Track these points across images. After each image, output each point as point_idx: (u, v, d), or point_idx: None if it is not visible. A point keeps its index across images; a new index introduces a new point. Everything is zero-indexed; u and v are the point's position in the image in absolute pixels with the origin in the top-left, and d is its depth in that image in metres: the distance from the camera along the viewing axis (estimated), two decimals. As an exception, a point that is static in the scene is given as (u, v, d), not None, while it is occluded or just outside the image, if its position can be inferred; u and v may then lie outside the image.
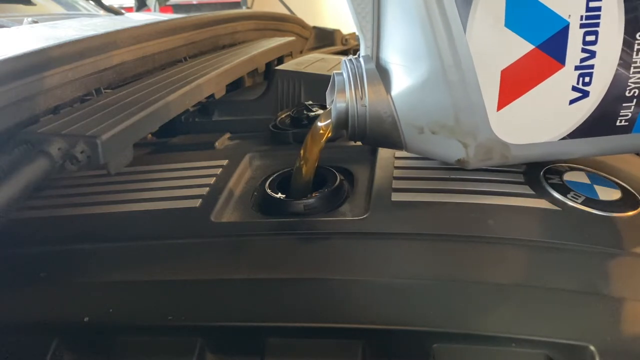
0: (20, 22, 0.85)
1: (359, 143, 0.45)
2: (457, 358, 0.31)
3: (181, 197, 0.48)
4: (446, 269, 0.36)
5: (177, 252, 0.41)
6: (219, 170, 0.52)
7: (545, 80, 0.37)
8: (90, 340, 0.35)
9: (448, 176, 0.46)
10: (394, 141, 0.43)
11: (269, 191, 0.46)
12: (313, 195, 0.45)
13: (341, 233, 0.41)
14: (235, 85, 0.83)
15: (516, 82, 0.37)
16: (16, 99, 0.42)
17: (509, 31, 0.36)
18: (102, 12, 1.30)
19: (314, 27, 1.37)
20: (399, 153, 0.52)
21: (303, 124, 0.61)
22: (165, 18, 0.79)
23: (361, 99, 0.41)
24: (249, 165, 0.56)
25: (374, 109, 0.41)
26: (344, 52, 1.34)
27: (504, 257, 0.37)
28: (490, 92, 0.37)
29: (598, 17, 0.35)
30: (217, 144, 0.61)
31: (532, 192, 0.43)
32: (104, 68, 0.55)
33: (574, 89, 0.37)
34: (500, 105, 0.38)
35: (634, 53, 0.36)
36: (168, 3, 2.25)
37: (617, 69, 0.37)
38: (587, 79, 0.37)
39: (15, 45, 0.50)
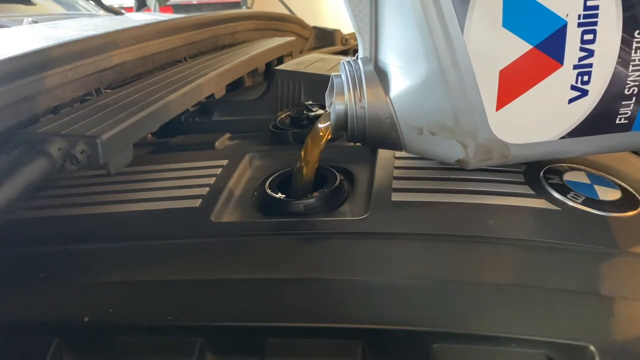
0: (20, 22, 0.85)
1: (359, 144, 0.45)
2: (457, 358, 0.31)
3: (181, 197, 0.48)
4: (446, 269, 0.36)
5: (177, 252, 0.41)
6: (219, 170, 0.52)
7: (544, 80, 0.37)
8: (90, 340, 0.35)
9: (448, 176, 0.46)
10: (394, 142, 0.43)
11: (269, 191, 0.46)
12: (313, 195, 0.45)
13: (341, 233, 0.41)
14: (235, 85, 0.83)
15: (515, 82, 0.37)
16: (16, 99, 0.42)
17: (507, 31, 0.36)
18: (102, 12, 1.30)
19: (314, 27, 1.37)
20: (399, 153, 0.52)
21: (303, 124, 0.61)
22: (165, 18, 0.79)
23: (360, 100, 0.41)
24: (249, 165, 0.56)
25: (373, 111, 0.41)
26: (344, 52, 1.34)
27: (504, 257, 0.37)
28: (488, 92, 0.37)
29: (596, 15, 0.35)
30: (217, 144, 0.61)
31: (532, 192, 0.43)
32: (104, 68, 0.55)
33: (573, 88, 0.37)
34: (499, 106, 0.38)
35: (633, 51, 0.36)
36: (168, 3, 2.25)
37: (615, 68, 0.36)
38: (585, 78, 0.37)
39: (15, 45, 0.50)
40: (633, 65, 0.36)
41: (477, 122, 0.39)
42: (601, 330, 0.31)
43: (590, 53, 0.36)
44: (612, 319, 0.32)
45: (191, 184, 0.50)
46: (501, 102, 0.38)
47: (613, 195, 0.43)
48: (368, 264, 0.37)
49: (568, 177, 0.45)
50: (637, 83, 0.37)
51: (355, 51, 0.46)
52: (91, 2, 1.33)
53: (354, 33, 0.45)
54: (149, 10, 1.49)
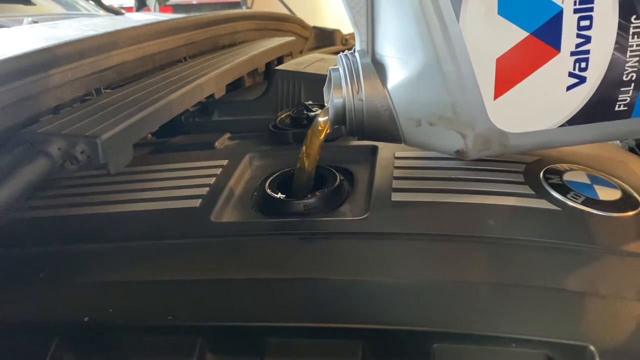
0: (20, 22, 0.85)
1: (359, 142, 0.45)
2: (457, 358, 0.31)
3: (181, 197, 0.48)
4: (446, 269, 0.36)
5: (177, 252, 0.41)
6: (219, 170, 0.52)
7: (541, 67, 0.37)
8: (90, 340, 0.35)
9: (448, 176, 0.46)
10: (392, 135, 0.43)
11: (269, 191, 0.46)
12: (313, 195, 0.45)
13: (341, 233, 0.41)
14: (235, 85, 0.83)
15: (512, 70, 0.37)
16: (16, 99, 0.42)
17: (503, 19, 0.35)
18: (102, 12, 1.30)
19: (314, 27, 1.37)
20: (399, 153, 0.52)
21: (303, 124, 0.61)
22: (165, 18, 0.79)
23: (358, 93, 0.41)
24: (249, 165, 0.56)
25: (371, 103, 0.41)
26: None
27: (504, 257, 0.37)
28: (486, 81, 0.37)
29: (592, 1, 0.35)
30: (217, 144, 0.61)
31: (532, 192, 0.43)
32: (104, 68, 0.55)
33: (571, 75, 0.37)
34: (497, 94, 0.38)
35: (630, 37, 0.36)
36: (168, 3, 2.25)
37: (613, 54, 0.36)
38: (583, 65, 0.37)
39: (15, 45, 0.50)
40: (631, 51, 0.36)
41: (475, 111, 0.38)
42: (601, 330, 0.31)
43: (587, 39, 0.36)
44: (612, 319, 0.32)
45: (191, 184, 0.50)
46: (499, 91, 0.38)
47: (613, 195, 0.43)
48: (368, 264, 0.37)
49: (568, 177, 0.45)
50: (635, 69, 0.37)
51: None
52: (91, 2, 1.33)
53: (353, 33, 0.45)
54: (149, 10, 1.49)
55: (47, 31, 0.65)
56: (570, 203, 0.41)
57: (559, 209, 0.41)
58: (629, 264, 0.36)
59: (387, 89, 0.41)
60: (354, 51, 0.44)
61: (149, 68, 0.67)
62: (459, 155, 0.41)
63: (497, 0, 0.35)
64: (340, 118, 0.43)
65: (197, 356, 0.33)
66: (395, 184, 0.46)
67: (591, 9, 0.35)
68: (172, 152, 0.61)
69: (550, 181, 0.44)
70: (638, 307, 0.33)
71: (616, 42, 0.36)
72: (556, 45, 0.36)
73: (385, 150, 0.53)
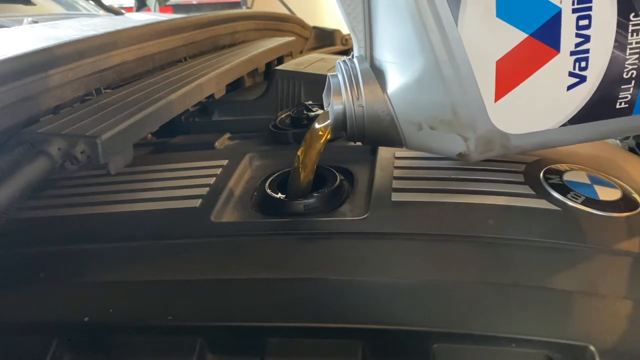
0: (20, 22, 0.85)
1: (359, 143, 0.45)
2: (457, 358, 0.31)
3: (181, 197, 0.48)
4: (446, 269, 0.36)
5: (177, 252, 0.41)
6: (219, 170, 0.52)
7: (541, 68, 0.37)
8: (90, 340, 0.35)
9: (448, 176, 0.46)
10: (394, 139, 0.43)
11: (269, 191, 0.46)
12: (313, 195, 0.45)
13: (341, 233, 0.41)
14: (235, 85, 0.83)
15: (512, 72, 0.37)
16: (16, 99, 0.42)
17: (501, 21, 0.36)
18: (102, 12, 1.30)
19: (314, 27, 1.37)
20: (399, 153, 0.52)
21: (303, 124, 0.61)
22: (165, 18, 0.79)
23: (358, 99, 0.41)
24: (249, 165, 0.56)
25: (371, 109, 0.41)
26: (344, 52, 1.34)
27: (504, 257, 0.37)
28: (486, 83, 0.37)
29: (590, 0, 0.35)
30: (217, 144, 0.61)
31: (532, 192, 0.43)
32: (104, 68, 0.55)
33: (571, 74, 0.37)
34: (498, 96, 0.38)
35: (629, 34, 0.36)
36: (168, 3, 2.25)
37: (613, 52, 0.36)
38: (583, 64, 0.37)
39: (15, 45, 0.50)
40: (630, 49, 0.36)
41: (476, 114, 0.38)
42: (601, 330, 0.31)
43: (587, 39, 0.36)
44: (612, 319, 0.32)
45: (191, 184, 0.50)
46: (499, 93, 0.38)
47: (613, 195, 0.43)
48: (368, 264, 0.37)
49: (568, 177, 0.45)
50: (636, 66, 0.37)
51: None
52: (91, 2, 1.33)
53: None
54: (149, 10, 1.49)
55: (47, 31, 0.65)
56: (570, 203, 0.41)
57: (559, 209, 0.41)
58: (629, 264, 0.36)
59: (387, 94, 0.41)
60: (353, 57, 0.44)
61: (149, 68, 0.67)
62: (461, 158, 0.41)
63: (496, 2, 0.35)
64: (340, 124, 0.43)
65: (197, 356, 0.33)
66: (395, 184, 0.46)
67: (590, 9, 0.35)
68: (172, 152, 0.61)
69: (550, 181, 0.44)
70: (638, 307, 0.33)
71: (615, 41, 0.36)
72: (555, 45, 0.36)
73: (385, 150, 0.52)
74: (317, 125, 0.45)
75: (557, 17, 0.35)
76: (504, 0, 0.35)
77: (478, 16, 0.35)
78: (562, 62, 0.37)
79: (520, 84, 0.37)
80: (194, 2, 3.83)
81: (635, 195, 0.43)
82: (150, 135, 0.70)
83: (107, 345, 0.34)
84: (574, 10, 0.35)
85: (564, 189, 0.43)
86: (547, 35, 0.36)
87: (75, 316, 0.35)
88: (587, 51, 0.36)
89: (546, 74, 0.37)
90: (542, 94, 0.38)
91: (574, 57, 0.36)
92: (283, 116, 0.65)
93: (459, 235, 0.39)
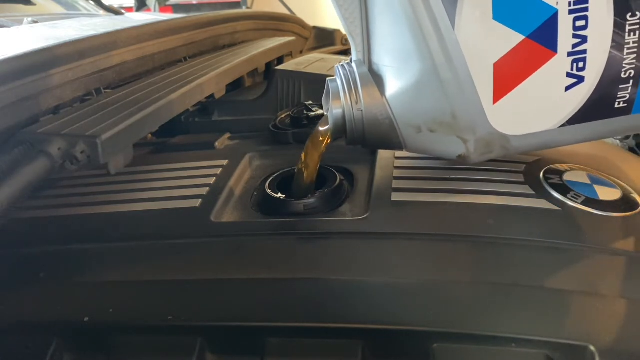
0: (20, 22, 0.85)
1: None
2: (457, 358, 0.31)
3: (181, 197, 0.48)
4: (446, 269, 0.36)
5: (177, 252, 0.41)
6: (219, 170, 0.52)
7: (539, 69, 0.37)
8: (90, 340, 0.35)
9: (448, 176, 0.46)
10: (393, 142, 0.43)
11: (269, 191, 0.46)
12: (313, 195, 0.45)
13: (341, 233, 0.41)
14: (235, 85, 0.83)
15: (510, 74, 0.37)
16: (16, 99, 0.42)
17: (498, 24, 0.36)
18: (102, 12, 1.30)
19: (314, 27, 1.37)
20: (399, 153, 0.52)
21: (303, 124, 0.61)
22: (165, 18, 0.79)
23: (357, 103, 0.41)
24: (249, 165, 0.56)
25: (370, 112, 0.41)
26: (344, 52, 1.34)
27: (504, 257, 0.37)
28: (484, 86, 0.37)
29: (586, 1, 0.35)
30: (217, 144, 0.61)
31: (532, 192, 0.43)
32: (104, 68, 0.55)
33: (569, 75, 0.37)
34: (496, 98, 0.38)
35: (626, 34, 0.36)
36: (168, 3, 2.25)
37: (610, 52, 0.36)
38: (581, 65, 0.37)
39: (15, 45, 0.50)
40: (628, 49, 0.36)
41: (475, 116, 0.39)
42: (601, 330, 0.31)
43: (584, 39, 0.36)
44: (612, 319, 0.32)
45: (191, 184, 0.50)
46: (498, 95, 0.38)
47: (613, 195, 0.43)
48: (368, 264, 0.37)
49: (568, 177, 0.45)
50: (633, 65, 0.37)
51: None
52: (91, 2, 1.33)
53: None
54: (149, 10, 1.49)
55: (47, 31, 0.65)
56: (570, 203, 0.41)
57: (559, 209, 0.41)
58: (629, 264, 0.36)
59: (385, 97, 0.41)
60: (351, 61, 0.44)
61: (149, 68, 0.67)
62: (461, 160, 0.41)
63: (492, 5, 0.35)
64: (340, 128, 0.43)
65: (197, 356, 0.33)
66: (395, 184, 0.46)
67: (586, 9, 0.35)
68: (172, 152, 0.61)
69: (550, 181, 0.44)
70: (638, 307, 0.33)
71: (613, 41, 0.36)
72: (553, 46, 0.36)
73: (386, 150, 0.52)
74: (317, 130, 0.45)
75: (553, 18, 0.35)
76: (501, 3, 0.35)
77: (475, 19, 0.35)
78: (559, 63, 0.37)
79: (519, 86, 0.37)
80: (194, 2, 3.83)
81: (635, 195, 0.43)
82: (150, 135, 0.70)
83: (107, 345, 0.34)
84: (571, 12, 0.35)
85: (564, 189, 0.43)
86: (544, 36, 0.36)
87: (75, 316, 0.35)
88: (584, 52, 0.36)
89: (544, 75, 0.37)
90: (541, 95, 0.38)
91: (572, 57, 0.36)
92: (283, 116, 0.65)
93: (459, 235, 0.39)
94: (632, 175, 0.48)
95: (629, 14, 0.35)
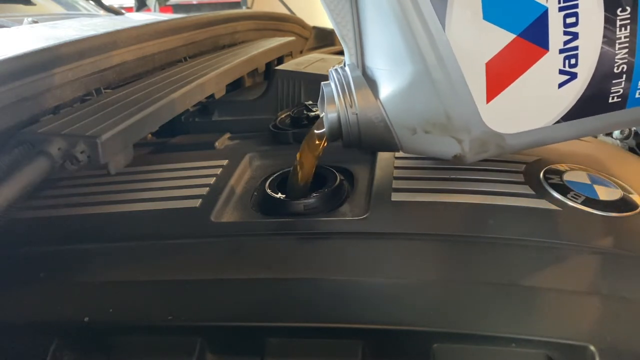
0: (20, 22, 0.85)
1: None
2: (457, 358, 0.31)
3: (181, 197, 0.48)
4: (446, 269, 0.36)
5: (177, 252, 0.41)
6: (219, 170, 0.52)
7: (531, 68, 0.37)
8: (90, 340, 0.35)
9: (448, 176, 0.46)
10: (389, 144, 0.43)
11: (269, 191, 0.46)
12: (313, 195, 0.45)
13: (341, 233, 0.41)
14: (235, 85, 0.83)
15: (502, 73, 0.37)
16: (16, 99, 0.42)
17: (489, 23, 0.36)
18: (102, 12, 1.30)
19: (314, 27, 1.37)
20: (398, 153, 0.52)
21: (303, 124, 0.61)
22: (165, 18, 0.79)
23: (351, 107, 0.42)
24: (249, 165, 0.56)
25: (365, 116, 0.42)
26: (344, 52, 1.34)
27: (504, 257, 0.37)
28: (477, 85, 0.37)
29: None
30: (217, 144, 0.61)
31: (532, 192, 0.43)
32: (104, 68, 0.55)
33: (561, 72, 0.37)
34: (490, 98, 0.38)
35: (617, 29, 0.36)
36: (168, 3, 2.26)
37: (602, 47, 0.36)
38: (573, 61, 0.37)
39: (15, 45, 0.50)
40: (619, 44, 0.36)
41: (469, 116, 0.39)
42: (601, 330, 0.31)
43: (575, 36, 0.36)
44: (612, 319, 0.32)
45: (191, 184, 0.50)
46: (491, 94, 0.38)
47: (613, 195, 0.43)
48: (368, 264, 0.37)
49: (568, 177, 0.45)
50: (626, 60, 0.37)
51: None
52: (91, 2, 1.33)
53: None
54: (149, 10, 1.49)
55: (47, 31, 0.65)
56: (570, 203, 0.41)
57: (559, 209, 0.41)
58: (629, 264, 0.36)
59: (379, 100, 0.41)
60: (344, 65, 0.44)
61: (149, 68, 0.67)
62: (457, 159, 0.41)
63: (482, 5, 0.35)
64: (335, 131, 0.43)
65: (197, 356, 0.33)
66: (395, 184, 0.46)
67: (576, 6, 0.35)
68: (172, 152, 0.61)
69: (550, 181, 0.44)
70: (638, 307, 0.33)
71: (604, 36, 0.36)
72: (544, 44, 0.36)
73: (385, 150, 0.53)
74: (313, 133, 0.46)
75: (544, 16, 0.35)
76: (491, 3, 0.35)
77: (465, 20, 0.35)
78: (551, 61, 0.37)
79: (511, 85, 0.37)
80: (194, 2, 3.83)
81: (635, 195, 0.43)
82: (150, 135, 0.70)
83: (107, 345, 0.34)
84: (561, 9, 0.35)
85: (564, 189, 0.43)
86: (535, 34, 0.36)
87: (75, 316, 0.35)
88: (576, 48, 0.36)
89: (536, 73, 0.37)
90: (534, 93, 0.38)
91: (563, 54, 0.36)
92: (283, 116, 0.65)
93: (459, 235, 0.39)
94: (632, 175, 0.48)
95: (619, 9, 0.35)
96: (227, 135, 0.65)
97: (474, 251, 0.38)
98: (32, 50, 0.46)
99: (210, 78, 0.63)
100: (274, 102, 0.74)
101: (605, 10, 0.35)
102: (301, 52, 1.24)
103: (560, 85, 0.37)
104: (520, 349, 0.31)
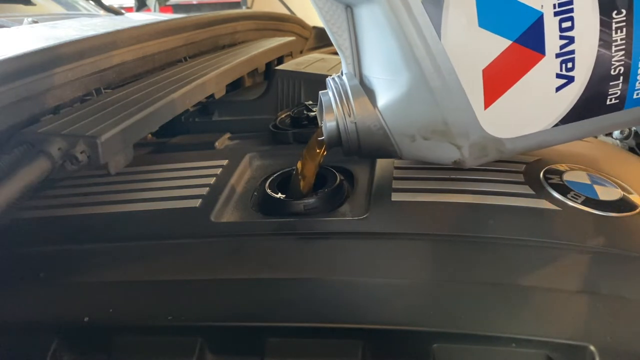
0: (20, 22, 0.85)
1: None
2: (457, 358, 0.31)
3: (181, 197, 0.48)
4: (446, 269, 0.36)
5: (177, 252, 0.41)
6: (219, 170, 0.52)
7: (528, 73, 0.37)
8: (90, 340, 0.35)
9: (448, 176, 0.46)
10: (389, 151, 0.43)
11: (269, 191, 0.46)
12: (313, 195, 0.45)
13: (341, 233, 0.41)
14: (235, 85, 0.83)
15: (499, 79, 0.37)
16: (16, 99, 0.42)
17: (484, 30, 0.36)
18: (102, 12, 1.30)
19: (314, 27, 1.37)
20: (399, 153, 0.52)
21: (303, 124, 0.61)
22: (165, 18, 0.79)
23: (349, 115, 0.42)
24: (249, 165, 0.56)
25: (364, 124, 0.42)
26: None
27: (504, 257, 0.37)
28: (475, 92, 0.37)
29: (571, 2, 0.35)
30: (217, 144, 0.61)
31: (532, 192, 0.43)
32: (104, 68, 0.55)
33: (559, 76, 0.37)
34: (487, 104, 0.38)
35: (613, 32, 0.36)
36: (168, 3, 2.26)
37: (598, 50, 0.36)
38: (569, 65, 0.37)
39: (15, 45, 0.50)
40: (616, 46, 0.36)
41: (467, 122, 0.39)
42: (601, 330, 0.31)
43: (571, 40, 0.36)
44: (612, 319, 0.32)
45: (191, 184, 0.50)
46: (488, 100, 0.38)
47: (613, 195, 0.43)
48: (368, 264, 0.37)
49: (568, 177, 0.45)
50: (622, 62, 0.37)
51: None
52: (91, 2, 1.33)
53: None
54: (149, 10, 1.49)
55: (47, 31, 0.65)
56: (570, 203, 0.41)
57: (559, 209, 0.41)
58: (629, 264, 0.36)
59: (377, 109, 0.41)
60: (342, 74, 0.45)
61: (149, 68, 0.67)
62: (457, 165, 0.42)
63: (477, 12, 0.35)
64: (335, 140, 0.44)
65: (197, 356, 0.33)
66: (395, 184, 0.46)
67: (571, 10, 0.35)
68: (172, 152, 0.61)
69: (550, 181, 0.44)
70: (638, 307, 0.33)
71: (600, 39, 0.36)
72: (540, 49, 0.36)
73: (385, 150, 0.52)
74: (313, 143, 0.46)
75: (539, 21, 0.35)
76: (486, 10, 0.35)
77: (460, 27, 0.36)
78: (548, 65, 0.37)
79: (509, 90, 0.38)
80: (194, 2, 3.83)
81: (635, 195, 0.43)
82: (150, 135, 0.70)
83: (107, 345, 0.34)
84: (556, 14, 0.35)
85: (564, 189, 0.43)
86: (531, 40, 0.36)
87: (75, 316, 0.35)
88: (572, 52, 0.36)
89: (533, 77, 0.37)
90: (532, 98, 0.38)
91: (560, 59, 0.37)
92: (283, 116, 0.65)
93: (459, 235, 0.39)
94: (632, 175, 0.48)
95: (615, 12, 0.35)
96: (227, 135, 0.65)
97: (473, 251, 0.38)
98: (32, 50, 0.46)
99: (210, 78, 0.63)
100: (274, 102, 0.74)
101: (601, 13, 0.35)
102: (301, 52, 1.24)
103: (558, 89, 0.38)
104: (520, 349, 0.31)
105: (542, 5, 0.35)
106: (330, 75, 0.46)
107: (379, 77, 0.41)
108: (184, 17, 0.79)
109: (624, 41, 0.36)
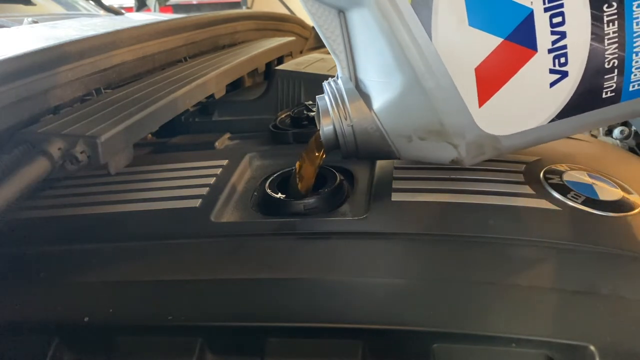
0: (20, 22, 0.85)
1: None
2: (457, 358, 0.31)
3: (181, 197, 0.48)
4: (446, 269, 0.36)
5: (177, 252, 0.41)
6: (219, 170, 0.52)
7: (521, 69, 0.37)
8: (90, 340, 0.35)
9: (448, 176, 0.46)
10: (387, 153, 0.43)
11: (269, 191, 0.46)
12: (313, 195, 0.45)
13: (341, 233, 0.41)
14: (235, 85, 0.83)
15: (492, 77, 0.37)
16: (16, 99, 0.42)
17: (474, 29, 0.36)
18: (102, 12, 1.30)
19: (314, 27, 1.37)
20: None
21: (303, 124, 0.61)
22: (165, 18, 0.79)
23: (346, 119, 0.42)
24: (249, 165, 0.56)
25: (360, 127, 0.42)
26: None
27: (504, 257, 0.37)
28: (468, 91, 0.38)
29: None
30: (217, 144, 0.61)
31: (532, 192, 0.43)
32: (104, 68, 0.56)
33: (552, 71, 0.37)
34: (482, 102, 0.38)
35: (605, 25, 0.36)
36: (168, 3, 2.26)
37: (591, 44, 0.36)
38: (562, 60, 0.37)
39: (15, 45, 0.50)
40: (608, 39, 0.36)
41: (462, 121, 0.39)
42: (601, 330, 0.31)
43: (563, 35, 0.36)
44: (612, 319, 0.32)
45: (191, 184, 0.50)
46: (483, 98, 0.38)
47: (613, 195, 0.43)
48: (368, 264, 0.37)
49: (568, 177, 0.45)
50: (616, 55, 0.37)
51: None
52: (91, 2, 1.33)
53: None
54: (149, 10, 1.49)
55: (47, 31, 0.65)
56: (570, 203, 0.41)
57: (559, 209, 0.41)
58: (629, 264, 0.36)
59: (374, 111, 0.42)
60: (337, 78, 0.45)
61: (149, 68, 0.67)
62: (455, 164, 0.42)
63: (467, 12, 0.35)
64: (332, 144, 0.44)
65: (197, 356, 0.33)
66: (395, 184, 0.46)
67: (561, 5, 0.35)
68: (172, 152, 0.61)
69: (550, 181, 0.44)
70: (638, 307, 0.33)
71: (592, 33, 0.36)
72: (532, 45, 0.36)
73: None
74: (312, 145, 0.46)
75: (529, 18, 0.35)
76: (475, 9, 0.35)
77: (451, 27, 0.36)
78: (541, 61, 0.37)
79: (503, 87, 0.38)
80: (194, 2, 3.83)
81: (635, 195, 0.43)
82: (150, 135, 0.70)
83: (107, 345, 0.34)
84: (546, 9, 0.35)
85: (564, 189, 0.43)
86: (522, 36, 0.36)
87: (75, 316, 0.35)
88: (564, 47, 0.36)
89: (527, 74, 0.37)
90: (526, 94, 0.38)
91: (553, 54, 0.37)
92: (283, 116, 0.65)
93: (459, 235, 0.39)
94: (632, 175, 0.48)
95: (605, 5, 0.35)
96: (227, 135, 0.65)
97: (473, 251, 0.38)
98: (32, 50, 0.46)
99: (210, 78, 0.63)
100: (274, 102, 0.74)
101: (592, 7, 0.35)
102: (301, 52, 1.24)
103: (552, 84, 0.38)
104: (520, 349, 0.31)
105: (531, 2, 0.35)
106: (330, 76, 0.46)
107: (373, 80, 0.41)
108: (184, 17, 0.79)
109: (616, 34, 0.36)
